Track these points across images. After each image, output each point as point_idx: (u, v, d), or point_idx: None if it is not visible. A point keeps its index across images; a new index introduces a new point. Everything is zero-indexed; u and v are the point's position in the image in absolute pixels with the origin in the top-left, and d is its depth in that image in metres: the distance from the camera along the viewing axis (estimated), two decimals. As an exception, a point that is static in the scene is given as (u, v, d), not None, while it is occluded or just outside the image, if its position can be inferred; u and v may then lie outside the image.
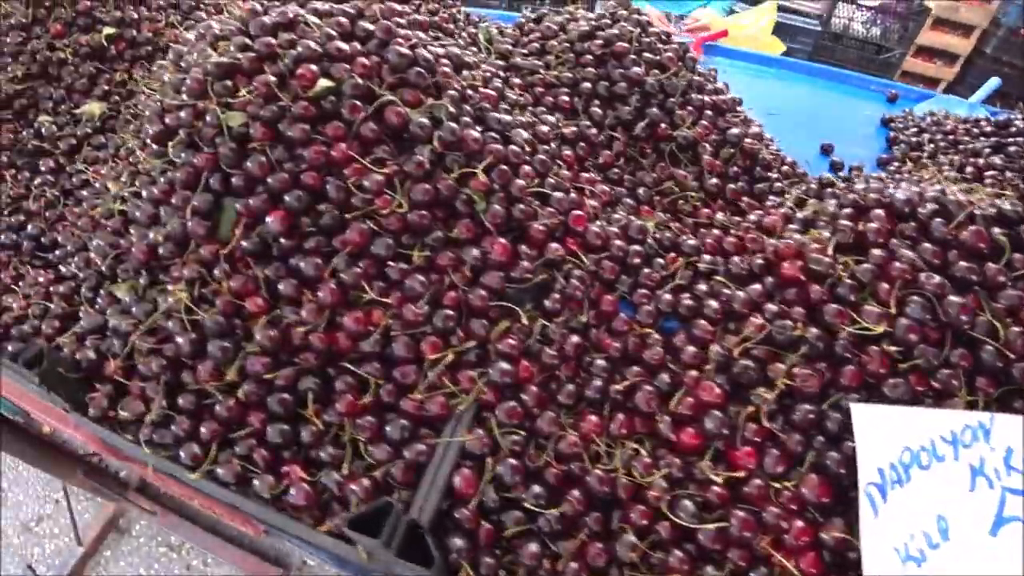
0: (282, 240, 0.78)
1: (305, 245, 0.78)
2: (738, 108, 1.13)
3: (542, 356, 0.78)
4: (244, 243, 0.78)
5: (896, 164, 1.28)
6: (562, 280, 0.82)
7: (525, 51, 1.16)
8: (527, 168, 0.84)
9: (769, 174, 1.07)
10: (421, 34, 0.91)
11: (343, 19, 0.87)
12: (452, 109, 0.82)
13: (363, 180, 0.77)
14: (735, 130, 1.06)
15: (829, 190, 1.01)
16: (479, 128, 0.84)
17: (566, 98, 1.04)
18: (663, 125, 1.02)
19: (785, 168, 1.12)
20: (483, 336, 0.77)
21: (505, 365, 0.75)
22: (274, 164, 0.78)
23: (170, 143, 0.85)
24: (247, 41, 0.86)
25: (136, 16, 1.21)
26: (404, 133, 0.82)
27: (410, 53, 0.83)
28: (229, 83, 0.82)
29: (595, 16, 1.16)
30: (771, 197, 1.04)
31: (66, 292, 0.97)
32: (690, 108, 1.05)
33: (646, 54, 1.05)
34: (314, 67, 0.80)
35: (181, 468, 0.74)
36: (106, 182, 1.03)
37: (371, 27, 0.87)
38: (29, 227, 1.06)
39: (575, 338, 0.79)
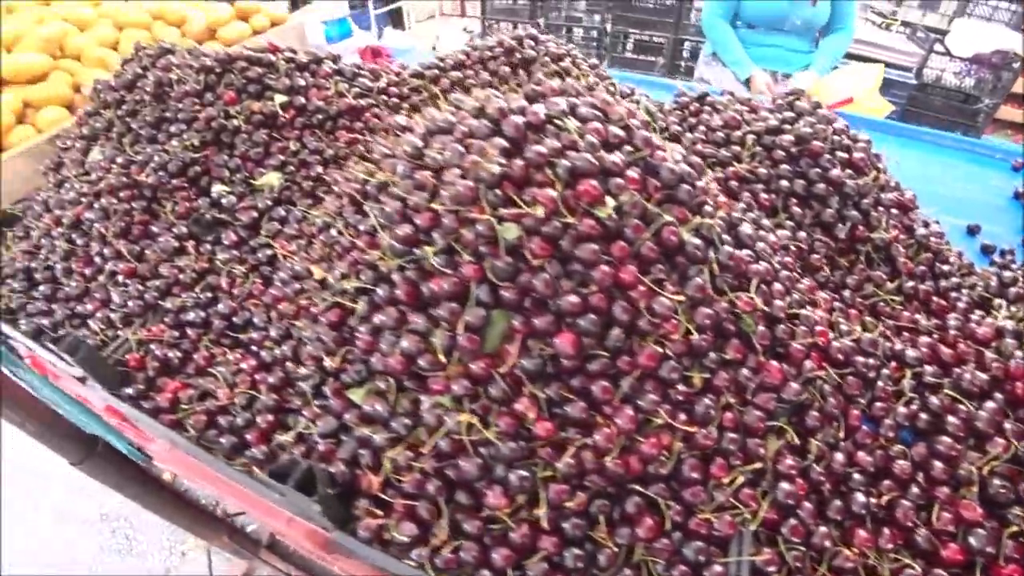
0: (565, 361, 0.78)
1: (589, 367, 0.78)
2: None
3: (810, 473, 0.81)
4: (524, 362, 0.78)
5: (1044, 245, 1.32)
6: (819, 397, 0.85)
7: (703, 137, 1.18)
8: (778, 286, 0.87)
9: (944, 267, 1.12)
10: (657, 138, 0.92)
11: (599, 125, 0.87)
12: (719, 228, 0.83)
13: (652, 303, 0.78)
14: (921, 230, 1.11)
15: (1013, 290, 1.07)
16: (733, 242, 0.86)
17: (765, 196, 1.06)
18: (861, 227, 1.06)
19: (953, 259, 1.17)
20: (761, 456, 0.79)
21: (787, 486, 0.78)
22: (556, 283, 0.78)
23: (428, 247, 0.83)
24: (505, 143, 0.84)
25: (304, 83, 1.16)
26: (671, 250, 0.83)
27: (678, 169, 0.84)
28: (499, 192, 0.81)
29: (774, 106, 1.18)
30: (951, 294, 1.09)
31: (276, 383, 0.94)
32: (881, 208, 1.09)
33: (839, 153, 1.09)
34: (594, 182, 0.80)
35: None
36: (308, 265, 1.00)
37: (621, 133, 0.87)
38: (220, 305, 1.02)
39: (839, 455, 0.82)
